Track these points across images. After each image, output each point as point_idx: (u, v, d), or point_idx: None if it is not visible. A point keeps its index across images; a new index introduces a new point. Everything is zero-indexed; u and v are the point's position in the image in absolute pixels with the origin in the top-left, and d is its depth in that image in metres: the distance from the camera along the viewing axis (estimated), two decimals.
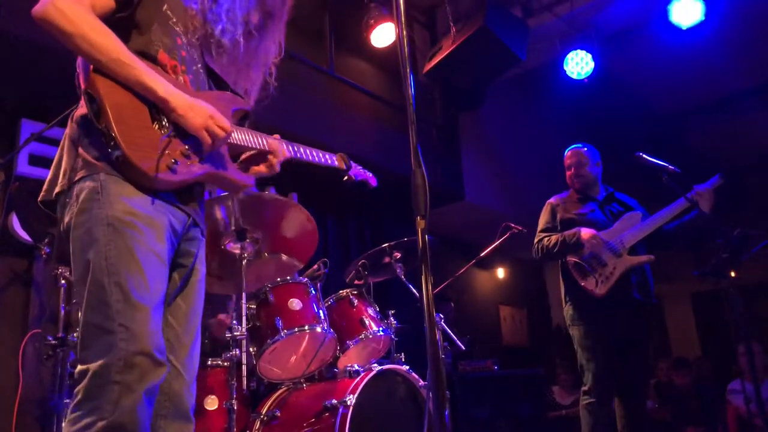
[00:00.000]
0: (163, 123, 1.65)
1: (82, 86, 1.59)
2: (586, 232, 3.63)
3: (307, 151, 2.13)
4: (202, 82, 1.87)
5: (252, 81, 2.01)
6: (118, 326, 1.48)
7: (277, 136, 2.00)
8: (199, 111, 1.67)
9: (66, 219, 1.60)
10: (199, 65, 1.86)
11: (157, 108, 1.64)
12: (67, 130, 1.68)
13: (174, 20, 1.77)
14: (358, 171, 2.37)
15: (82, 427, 1.44)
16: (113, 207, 1.55)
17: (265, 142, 1.94)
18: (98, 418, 1.43)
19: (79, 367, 1.50)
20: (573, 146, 4.07)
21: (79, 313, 1.55)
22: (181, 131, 1.67)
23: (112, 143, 1.53)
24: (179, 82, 1.74)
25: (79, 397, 1.47)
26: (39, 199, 1.70)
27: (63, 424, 1.50)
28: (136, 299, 1.51)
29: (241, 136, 1.88)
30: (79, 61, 1.67)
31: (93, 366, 1.47)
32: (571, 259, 3.69)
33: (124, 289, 1.51)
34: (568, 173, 4.02)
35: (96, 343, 1.49)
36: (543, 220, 3.94)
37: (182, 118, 1.65)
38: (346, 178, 2.34)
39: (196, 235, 1.80)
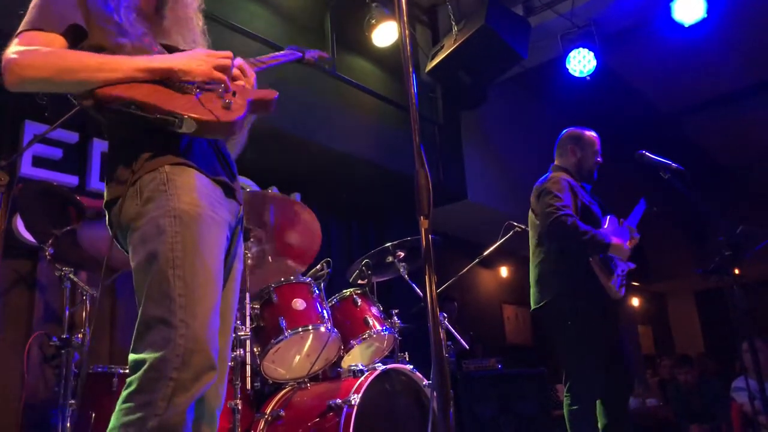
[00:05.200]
0: (184, 87, 1.64)
1: (108, 106, 1.55)
2: (617, 241, 3.42)
3: (264, 61, 2.09)
4: None
5: (195, 32, 1.95)
6: (179, 321, 1.46)
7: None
8: (196, 58, 1.68)
9: (130, 211, 1.57)
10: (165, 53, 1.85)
11: (165, 81, 1.63)
12: (109, 164, 1.66)
13: (135, 21, 1.74)
14: (311, 53, 2.42)
15: (135, 420, 1.41)
16: (180, 199, 1.55)
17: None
18: (152, 414, 1.41)
19: (133, 357, 1.48)
20: (589, 130, 3.83)
21: (138, 306, 1.52)
22: (202, 85, 1.67)
23: (176, 121, 1.52)
24: None
25: (132, 387, 1.45)
26: (107, 221, 1.66)
27: (113, 414, 1.46)
28: (200, 296, 1.50)
29: None
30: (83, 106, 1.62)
31: (150, 357, 1.44)
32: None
33: (188, 284, 1.49)
34: (588, 155, 3.71)
35: (153, 335, 1.47)
36: (564, 195, 3.47)
37: (190, 74, 1.65)
38: (305, 63, 2.40)
39: (239, 230, 1.80)
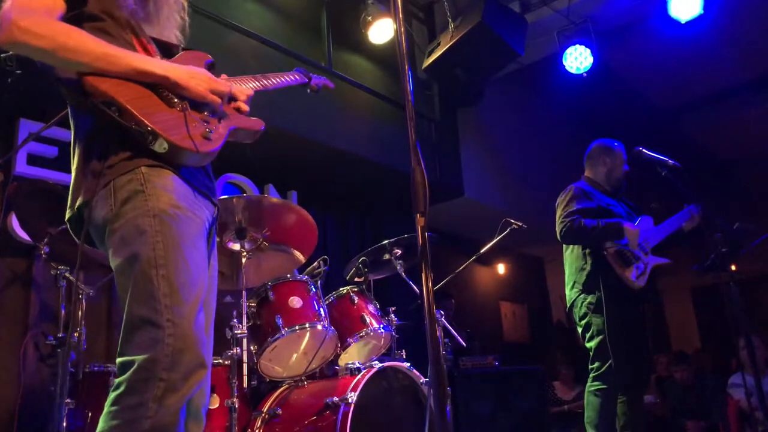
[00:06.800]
0: (173, 100, 1.63)
1: (91, 97, 1.53)
2: (630, 226, 3.62)
3: (270, 80, 2.12)
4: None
5: (177, 26, 1.92)
6: (166, 321, 1.45)
7: (224, 76, 1.90)
8: (198, 77, 1.68)
9: (103, 212, 1.55)
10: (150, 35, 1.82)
11: (158, 88, 1.62)
12: (78, 154, 1.64)
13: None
14: (317, 80, 2.52)
15: (125, 423, 1.40)
16: (159, 200, 1.53)
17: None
18: (143, 416, 1.39)
19: (121, 359, 1.46)
20: (616, 142, 4.02)
21: (124, 306, 1.51)
22: (191, 102, 1.66)
23: (150, 138, 1.52)
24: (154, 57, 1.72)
25: (121, 389, 1.43)
26: (67, 218, 1.64)
27: (101, 416, 1.44)
28: (184, 295, 1.49)
29: None
30: (61, 78, 1.60)
31: (139, 359, 1.42)
32: (612, 248, 3.63)
33: (172, 283, 1.48)
34: (617, 164, 3.93)
35: (140, 336, 1.45)
36: (576, 201, 3.75)
37: (187, 90, 1.64)
38: (309, 90, 2.51)
39: (213, 230, 1.80)
